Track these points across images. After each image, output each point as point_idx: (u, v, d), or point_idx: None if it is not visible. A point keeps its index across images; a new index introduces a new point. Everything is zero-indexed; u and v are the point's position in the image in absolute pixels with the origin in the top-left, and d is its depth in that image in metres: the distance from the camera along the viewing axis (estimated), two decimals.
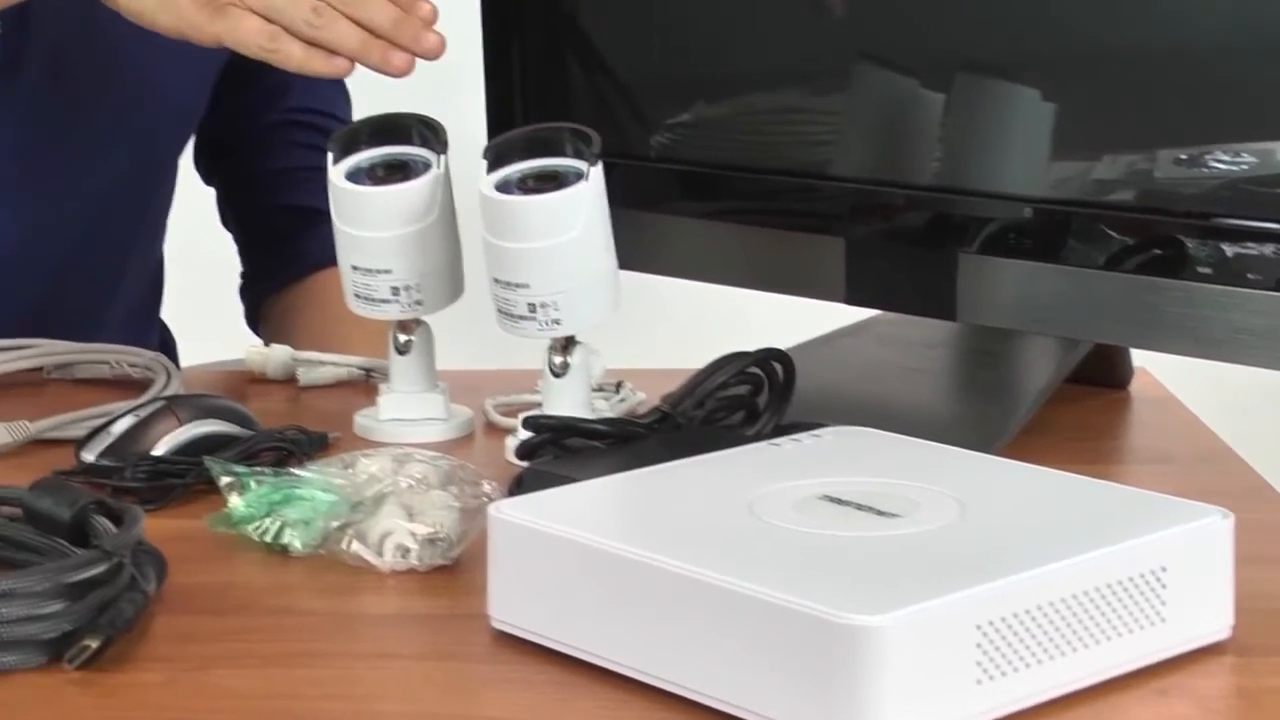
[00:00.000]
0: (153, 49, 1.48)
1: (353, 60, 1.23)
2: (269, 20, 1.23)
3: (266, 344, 1.57)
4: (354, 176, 1.21)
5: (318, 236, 1.61)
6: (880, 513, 0.89)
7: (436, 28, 1.24)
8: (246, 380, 1.39)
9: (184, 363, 1.68)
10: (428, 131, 1.21)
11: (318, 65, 1.23)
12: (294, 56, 1.23)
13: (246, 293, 1.70)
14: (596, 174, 1.14)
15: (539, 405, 1.21)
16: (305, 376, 1.37)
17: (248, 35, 1.23)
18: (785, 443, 1.01)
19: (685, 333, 1.94)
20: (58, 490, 0.98)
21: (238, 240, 1.71)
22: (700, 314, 2.03)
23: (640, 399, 1.29)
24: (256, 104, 1.64)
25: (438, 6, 1.25)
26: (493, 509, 0.91)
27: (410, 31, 1.24)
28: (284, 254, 1.65)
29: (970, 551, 0.86)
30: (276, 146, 1.66)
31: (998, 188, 1.19)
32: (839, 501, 0.91)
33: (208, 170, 1.70)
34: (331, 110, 1.68)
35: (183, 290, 1.76)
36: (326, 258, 1.58)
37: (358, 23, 1.23)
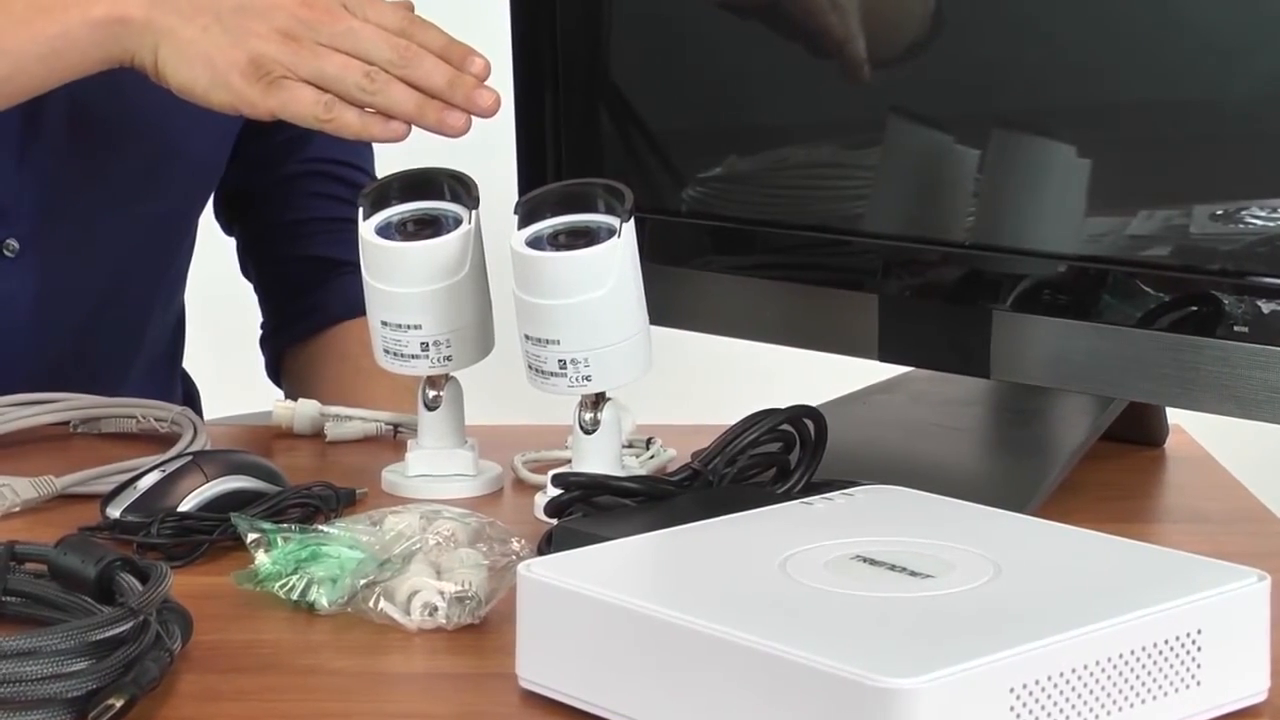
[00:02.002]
0: (173, 108, 1.48)
1: (409, 123, 1.23)
2: (322, 89, 1.23)
3: (288, 396, 1.57)
4: (384, 231, 1.20)
5: (338, 288, 1.61)
6: (914, 573, 0.88)
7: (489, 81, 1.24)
8: (273, 435, 1.38)
9: (207, 411, 1.68)
10: (459, 186, 1.21)
11: (375, 131, 1.24)
12: (351, 124, 1.23)
13: (267, 345, 1.69)
14: (629, 230, 1.14)
15: (568, 462, 1.20)
16: (332, 431, 1.36)
17: (303, 107, 1.23)
18: (818, 501, 1.00)
19: (714, 389, 1.94)
20: (83, 547, 0.97)
21: (258, 291, 1.70)
22: (729, 370, 2.02)
23: (670, 456, 1.28)
24: (277, 154, 1.64)
25: (490, 61, 1.26)
26: (522, 568, 0.90)
27: (464, 90, 1.24)
28: (304, 305, 1.64)
29: (1004, 613, 0.85)
30: (296, 197, 1.65)
31: (1032, 244, 1.18)
32: (872, 562, 0.90)
33: (228, 220, 1.70)
34: (352, 160, 1.67)
35: (204, 339, 1.75)
36: (347, 310, 1.59)
37: (411, 84, 1.23)
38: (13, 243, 1.46)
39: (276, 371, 1.68)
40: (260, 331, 1.70)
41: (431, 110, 1.23)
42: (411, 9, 1.31)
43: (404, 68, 1.23)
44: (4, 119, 1.42)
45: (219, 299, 1.74)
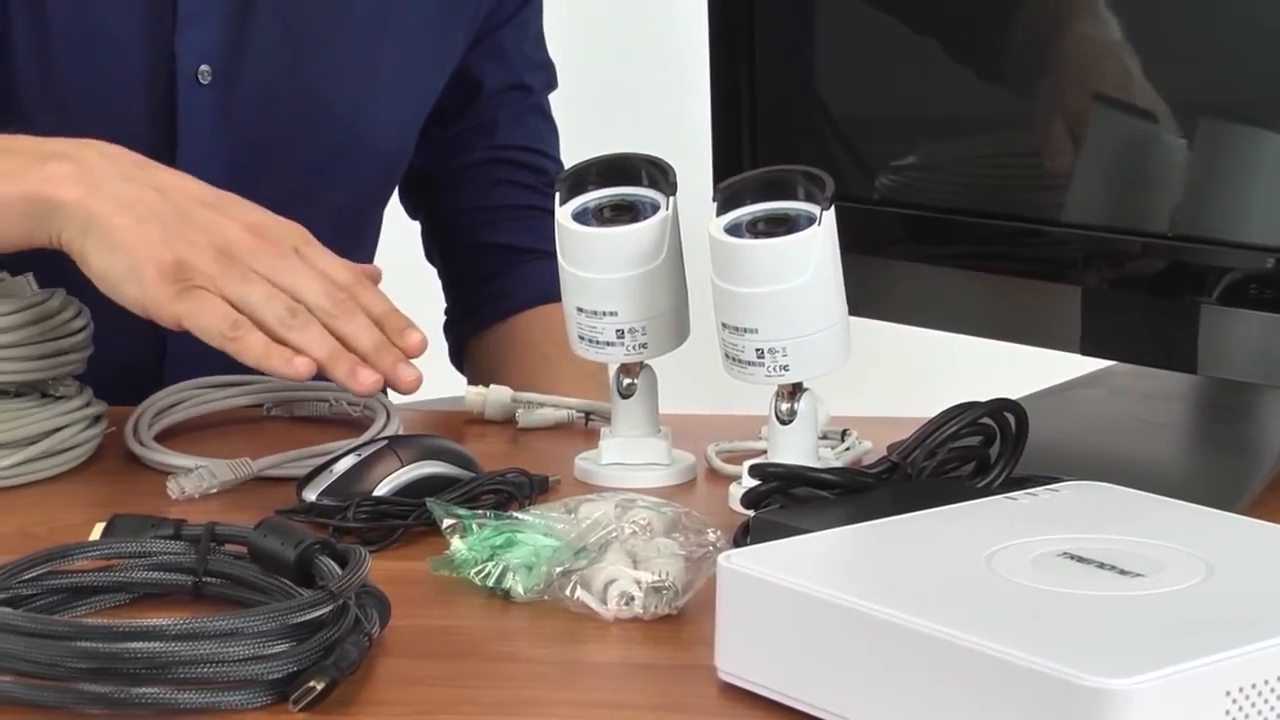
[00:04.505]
0: (361, 100, 1.49)
1: (318, 367, 1.17)
2: (238, 309, 1.16)
3: (471, 382, 1.57)
4: (581, 217, 1.19)
5: (524, 275, 1.61)
6: (1123, 572, 0.87)
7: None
8: (464, 420, 1.38)
9: (391, 394, 1.68)
10: (656, 172, 1.20)
11: (276, 363, 1.16)
12: (253, 349, 1.16)
13: (451, 331, 1.69)
14: (829, 218, 1.12)
15: (763, 452, 1.19)
16: (524, 418, 1.36)
17: (210, 319, 1.16)
18: (1022, 496, 0.98)
19: (908, 381, 1.92)
20: (283, 530, 0.97)
21: (442, 276, 1.71)
22: (919, 361, 2.00)
23: (866, 448, 1.27)
24: (463, 141, 1.64)
25: (427, 338, 1.21)
26: (723, 559, 0.89)
27: (390, 360, 1.18)
28: (489, 292, 1.64)
29: (1220, 614, 0.83)
30: (482, 184, 1.65)
31: (1239, 236, 1.15)
32: (1080, 559, 0.88)
33: (413, 205, 1.70)
34: (538, 146, 1.67)
35: None
36: (532, 297, 1.59)
37: (337, 335, 1.18)
38: None
39: (459, 358, 1.68)
40: (444, 318, 1.70)
41: (343, 363, 1.17)
42: (379, 277, 1.27)
43: (334, 317, 1.18)
44: (196, 101, 1.43)
45: (404, 282, 1.74)
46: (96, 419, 1.27)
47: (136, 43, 1.43)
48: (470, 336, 1.66)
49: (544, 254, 1.59)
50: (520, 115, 1.66)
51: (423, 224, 1.71)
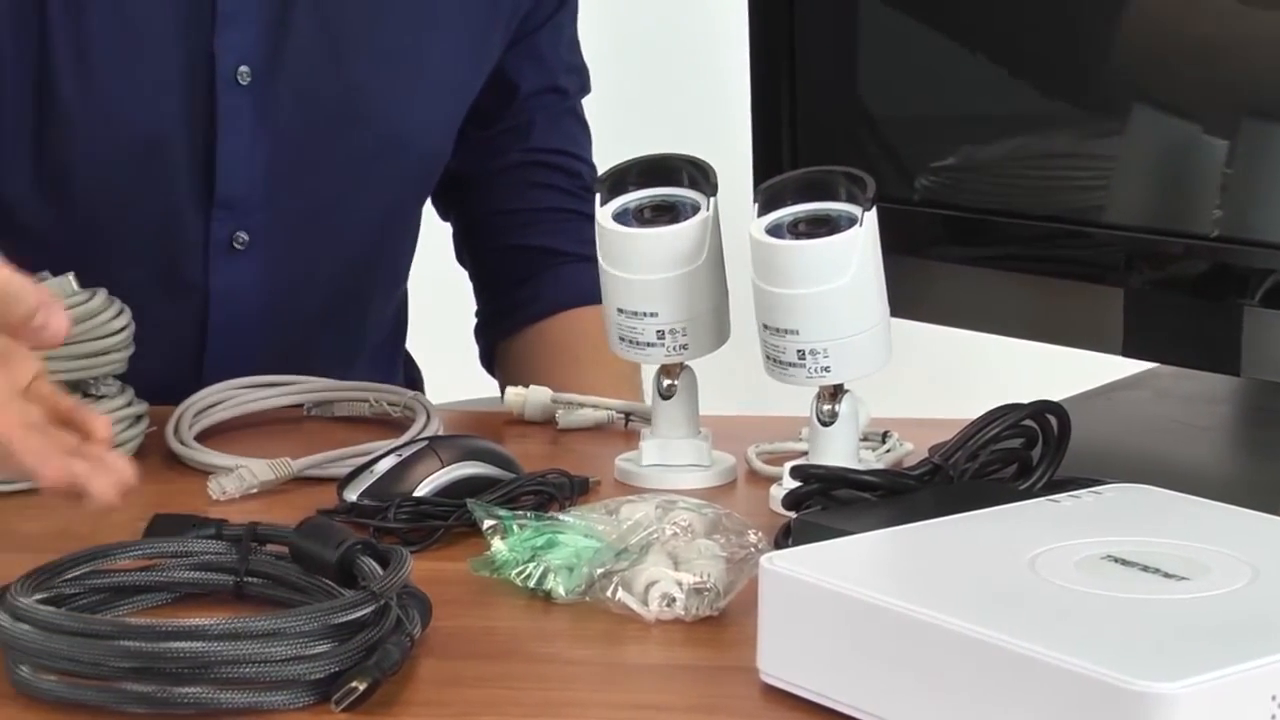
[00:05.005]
0: (400, 100, 1.49)
1: None
2: None
3: (502, 385, 1.57)
4: (621, 217, 1.19)
5: (556, 278, 1.61)
6: (1167, 575, 0.86)
7: None
8: (503, 421, 1.38)
9: (429, 393, 1.68)
10: (697, 173, 1.19)
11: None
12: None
13: (482, 334, 1.69)
14: (871, 219, 1.12)
15: (803, 454, 1.19)
16: (564, 419, 1.36)
17: None
18: (1065, 499, 0.98)
19: (943, 382, 1.91)
20: (324, 530, 0.97)
21: (473, 279, 1.70)
22: (959, 363, 2.00)
23: (907, 450, 1.26)
24: (498, 143, 1.64)
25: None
26: (765, 561, 0.89)
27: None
28: (522, 295, 1.64)
29: (1266, 618, 0.82)
30: (516, 186, 1.65)
31: None
32: (1124, 562, 0.88)
33: (445, 207, 1.70)
34: (572, 149, 1.67)
35: (420, 323, 1.76)
36: (565, 300, 1.59)
37: None
38: (242, 235, 1.48)
39: (490, 360, 1.68)
40: (475, 320, 1.70)
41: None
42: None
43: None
44: (235, 102, 1.44)
45: (436, 283, 1.74)
46: (138, 419, 1.28)
47: (175, 44, 1.43)
48: (502, 339, 1.66)
49: (577, 257, 1.59)
50: (555, 118, 1.66)
51: (455, 226, 1.71)
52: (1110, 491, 0.99)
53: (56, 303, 0.98)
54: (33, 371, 1.03)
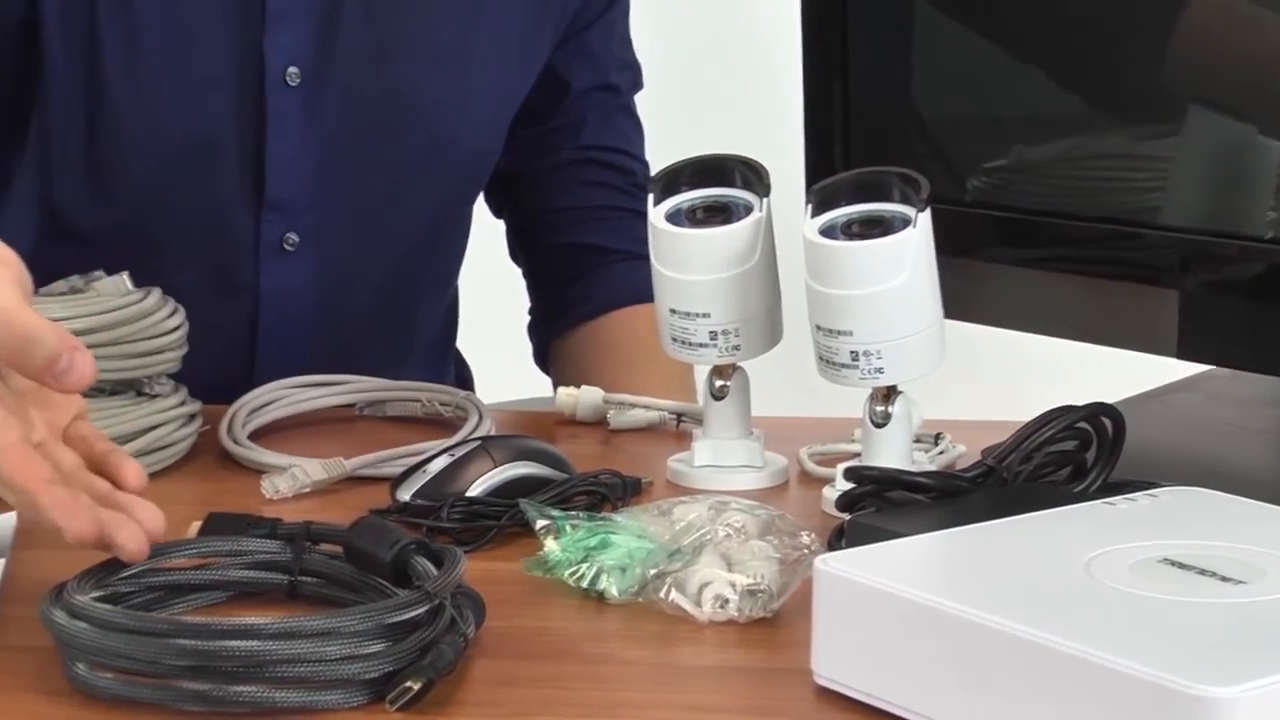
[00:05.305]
0: (450, 100, 1.49)
1: None
2: None
3: (555, 383, 1.57)
4: (674, 218, 1.19)
5: (609, 277, 1.61)
6: (1224, 578, 0.86)
7: None
8: (555, 421, 1.38)
9: (478, 393, 1.68)
10: (750, 173, 1.19)
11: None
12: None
13: (535, 332, 1.69)
14: (925, 220, 1.12)
15: (856, 455, 1.18)
16: (615, 420, 1.36)
17: None
18: (1120, 502, 0.98)
19: (995, 384, 1.91)
20: (378, 530, 0.97)
21: (527, 277, 1.71)
22: (1011, 365, 1.99)
23: (960, 452, 1.26)
24: (550, 141, 1.64)
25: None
26: (819, 562, 0.89)
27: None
28: (575, 294, 1.64)
29: None
30: (568, 184, 1.65)
31: None
32: (1180, 565, 0.87)
33: (498, 205, 1.70)
34: (624, 146, 1.67)
35: (472, 321, 1.76)
36: (618, 299, 1.59)
37: None
38: (292, 236, 1.48)
39: (544, 359, 1.68)
40: (528, 318, 1.70)
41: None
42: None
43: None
44: (284, 103, 1.44)
45: (487, 282, 1.74)
46: (191, 417, 1.28)
47: (225, 44, 1.44)
48: (555, 337, 1.66)
49: (630, 255, 1.59)
50: (607, 115, 1.66)
51: (508, 223, 1.71)
52: (1165, 494, 0.99)
53: (80, 346, 0.94)
54: (73, 412, 1.03)
